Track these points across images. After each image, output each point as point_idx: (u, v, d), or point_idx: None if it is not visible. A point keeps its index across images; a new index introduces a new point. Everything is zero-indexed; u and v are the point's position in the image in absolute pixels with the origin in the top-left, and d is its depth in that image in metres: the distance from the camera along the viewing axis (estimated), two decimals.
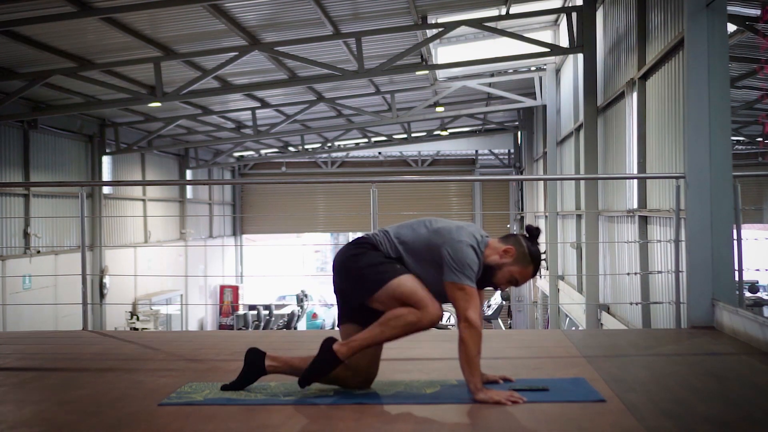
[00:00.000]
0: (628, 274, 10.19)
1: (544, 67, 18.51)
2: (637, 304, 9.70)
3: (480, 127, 26.15)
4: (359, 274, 3.34)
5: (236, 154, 27.29)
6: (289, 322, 23.40)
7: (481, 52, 15.13)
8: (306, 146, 25.48)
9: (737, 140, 13.86)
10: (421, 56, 13.72)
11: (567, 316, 16.22)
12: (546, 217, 18.89)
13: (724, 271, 5.11)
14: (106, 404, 3.34)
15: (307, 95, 17.23)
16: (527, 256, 3.37)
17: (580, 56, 12.60)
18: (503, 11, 13.02)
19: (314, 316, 26.72)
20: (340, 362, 3.27)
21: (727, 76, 5.22)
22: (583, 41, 11.79)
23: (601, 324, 11.66)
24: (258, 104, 17.31)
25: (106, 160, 18.18)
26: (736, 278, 5.36)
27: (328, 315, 27.39)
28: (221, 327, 24.15)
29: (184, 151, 23.46)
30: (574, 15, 12.43)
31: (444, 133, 24.59)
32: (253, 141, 23.07)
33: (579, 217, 14.78)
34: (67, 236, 16.26)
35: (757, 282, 12.42)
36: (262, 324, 22.72)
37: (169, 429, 2.96)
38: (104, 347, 4.98)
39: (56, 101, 14.73)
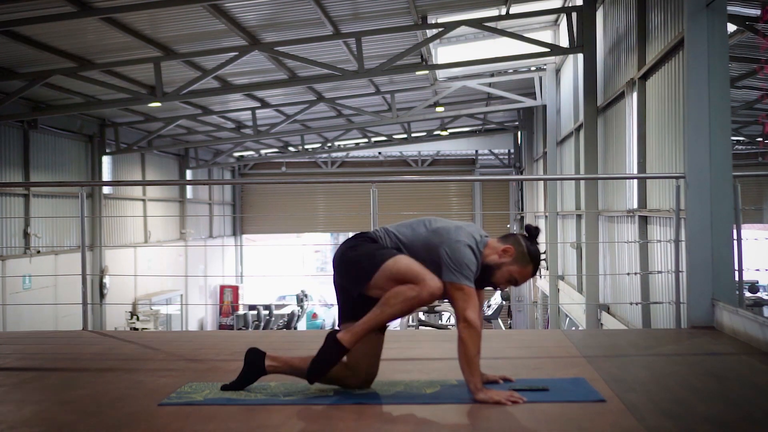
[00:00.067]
0: (628, 274, 10.19)
1: (544, 67, 18.51)
2: (637, 304, 9.70)
3: (480, 127, 26.15)
4: (356, 262, 3.34)
5: (236, 154, 27.30)
6: (289, 322, 23.40)
7: (481, 52, 15.13)
8: (306, 146, 25.49)
9: (737, 140, 13.86)
10: (421, 56, 13.72)
11: (567, 316, 16.22)
12: (546, 217, 18.90)
13: (724, 271, 5.11)
14: (106, 404, 3.34)
15: (307, 95, 17.23)
16: (526, 255, 3.37)
17: (580, 56, 12.60)
18: (503, 11, 13.02)
19: (314, 316, 26.72)
20: (346, 350, 3.26)
21: (727, 76, 5.22)
22: (583, 41, 11.79)
23: (601, 324, 11.66)
24: (258, 104, 17.32)
25: (106, 160, 18.18)
26: (736, 278, 5.36)
27: (328, 315, 27.40)
28: (221, 327, 24.15)
29: (184, 151, 23.47)
30: (574, 15, 12.43)
31: (444, 133, 24.60)
32: (253, 141, 23.07)
33: (579, 217, 14.79)
34: (67, 236, 16.26)
35: (757, 282, 12.42)
36: (262, 324, 22.72)
37: (169, 429, 2.96)
38: (104, 347, 4.98)
39: (56, 101, 14.73)
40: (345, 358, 3.38)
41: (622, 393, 3.35)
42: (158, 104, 13.72)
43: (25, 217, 14.78)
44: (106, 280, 17.45)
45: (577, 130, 14.87)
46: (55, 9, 9.36)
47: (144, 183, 22.58)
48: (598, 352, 4.40)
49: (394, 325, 16.53)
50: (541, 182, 21.19)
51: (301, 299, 25.78)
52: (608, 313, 11.72)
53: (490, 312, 18.86)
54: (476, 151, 28.96)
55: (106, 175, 18.16)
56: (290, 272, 32.40)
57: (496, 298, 19.35)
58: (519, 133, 25.46)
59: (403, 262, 3.26)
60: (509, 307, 23.48)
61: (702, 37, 5.14)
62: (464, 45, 15.62)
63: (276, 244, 32.74)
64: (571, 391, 3.39)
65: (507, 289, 4.38)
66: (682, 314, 5.51)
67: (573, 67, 15.47)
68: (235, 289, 25.78)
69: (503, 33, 12.72)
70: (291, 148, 26.32)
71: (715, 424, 2.93)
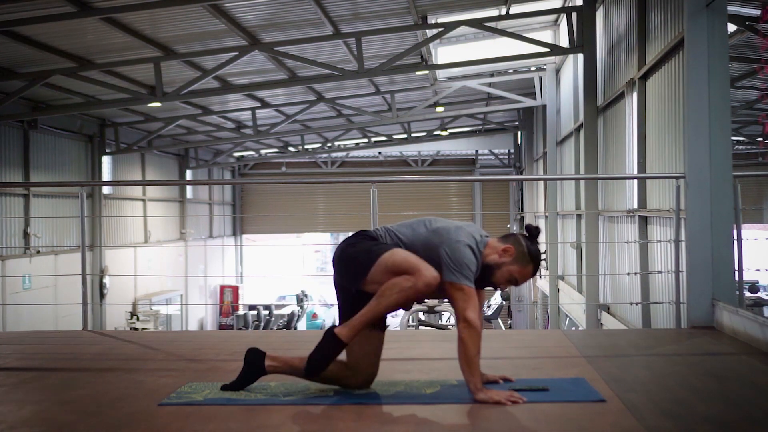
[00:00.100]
0: (628, 274, 10.19)
1: (544, 67, 18.51)
2: (637, 304, 9.70)
3: (480, 127, 26.15)
4: (353, 258, 3.34)
5: (236, 154, 27.30)
6: (289, 322, 23.40)
7: (481, 52, 15.13)
8: (306, 146, 25.48)
9: (737, 140, 13.86)
10: (421, 56, 13.72)
11: (567, 316, 16.23)
12: (546, 217, 18.90)
13: (724, 271, 5.11)
14: (106, 404, 3.34)
15: (307, 95, 17.23)
16: (526, 255, 3.37)
17: (580, 56, 12.61)
18: (503, 11, 13.02)
19: (314, 316, 26.72)
20: (344, 345, 3.26)
21: (727, 76, 5.22)
22: (583, 41, 11.80)
23: (601, 324, 11.66)
24: (258, 104, 17.32)
25: (106, 160, 18.19)
26: (736, 278, 5.35)
27: (328, 315, 27.39)
28: (221, 327, 24.15)
29: (184, 151, 23.47)
30: (574, 15, 12.43)
31: (444, 133, 24.59)
32: (253, 141, 23.07)
33: (579, 217, 14.79)
34: (67, 236, 16.26)
35: (757, 282, 12.41)
36: (262, 324, 22.72)
37: (169, 429, 2.96)
38: (104, 347, 4.98)
39: (56, 101, 14.73)
40: (345, 359, 3.38)
41: (622, 393, 3.35)
42: (158, 104, 13.73)
43: (25, 217, 14.78)
44: (106, 280, 17.45)
45: (577, 130, 14.87)
46: (55, 9, 9.36)
47: (144, 183, 22.58)
48: (598, 352, 4.40)
49: (394, 325, 16.54)
50: (541, 182, 21.19)
51: (301, 299, 25.78)
52: (608, 313, 11.72)
53: (490, 312, 18.86)
54: (476, 151, 28.96)
55: (106, 175, 18.16)
56: (290, 272, 32.39)
57: (496, 298, 19.35)
58: (519, 133, 25.46)
59: (399, 254, 3.26)
60: (509, 307, 23.48)
61: (702, 37, 5.14)
62: (464, 45, 15.62)
63: (276, 244, 32.74)
64: (571, 391, 3.39)
65: (507, 289, 4.38)
66: (682, 314, 5.51)
67: (573, 67, 15.47)
68: (235, 289, 25.78)
69: (503, 33, 12.72)
70: (291, 148, 26.32)
71: (715, 424, 2.93)
